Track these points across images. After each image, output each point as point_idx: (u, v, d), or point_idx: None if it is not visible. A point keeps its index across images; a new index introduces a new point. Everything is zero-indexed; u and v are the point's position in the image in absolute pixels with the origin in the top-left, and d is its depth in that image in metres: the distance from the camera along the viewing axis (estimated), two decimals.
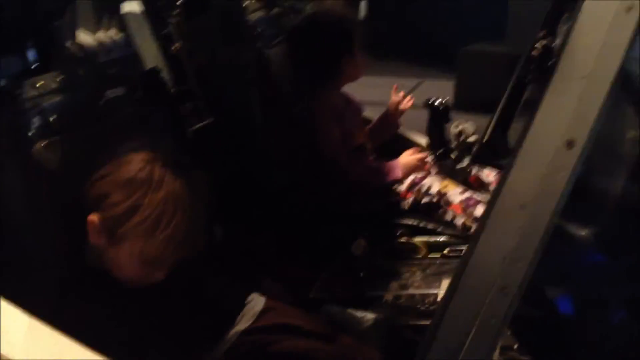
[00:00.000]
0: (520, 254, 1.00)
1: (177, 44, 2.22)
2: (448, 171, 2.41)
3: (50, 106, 1.56)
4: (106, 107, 1.70)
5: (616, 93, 1.08)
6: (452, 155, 2.39)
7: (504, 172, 1.05)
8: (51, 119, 1.55)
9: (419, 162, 2.36)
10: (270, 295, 1.64)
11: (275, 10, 2.38)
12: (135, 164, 1.40)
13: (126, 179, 1.38)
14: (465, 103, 6.18)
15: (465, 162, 2.36)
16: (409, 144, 2.75)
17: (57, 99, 1.59)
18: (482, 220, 1.04)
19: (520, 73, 2.81)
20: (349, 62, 2.25)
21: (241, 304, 1.60)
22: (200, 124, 2.22)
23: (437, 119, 2.38)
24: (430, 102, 2.39)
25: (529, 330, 1.49)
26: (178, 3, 2.17)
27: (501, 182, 1.03)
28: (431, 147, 2.40)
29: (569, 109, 1.02)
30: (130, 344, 1.34)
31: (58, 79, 1.64)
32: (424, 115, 2.44)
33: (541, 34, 2.64)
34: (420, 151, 2.44)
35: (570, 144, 1.00)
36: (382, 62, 7.94)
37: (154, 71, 2.01)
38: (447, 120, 2.39)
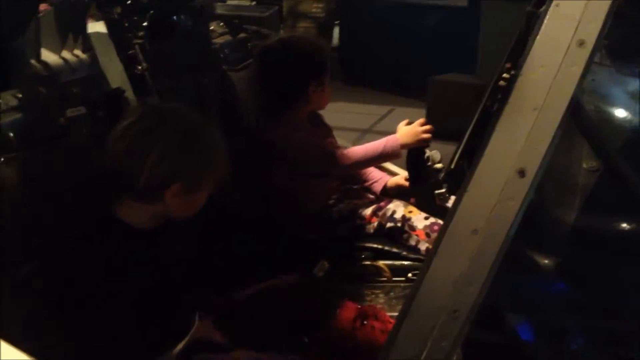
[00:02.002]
0: (471, 278, 1.01)
1: (141, 65, 2.22)
2: (425, 197, 2.40)
3: (9, 123, 1.54)
4: (66, 126, 1.68)
5: (568, 123, 1.12)
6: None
7: (457, 197, 1.07)
8: (10, 136, 1.53)
9: (420, 131, 2.30)
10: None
11: (241, 35, 2.39)
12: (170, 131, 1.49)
13: (180, 146, 1.48)
14: (436, 131, 6.23)
15: (444, 188, 2.37)
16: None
17: (16, 116, 1.57)
18: (435, 244, 1.05)
19: (486, 102, 2.87)
20: (317, 88, 2.25)
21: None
22: None
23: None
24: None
25: (481, 355, 1.50)
26: (143, 25, 2.17)
27: (454, 207, 1.04)
28: (409, 171, 2.33)
29: (520, 139, 1.05)
30: None
31: (18, 97, 1.61)
32: None
33: (507, 65, 2.71)
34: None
35: (521, 173, 1.03)
36: (353, 88, 8.03)
37: (118, 91, 2.00)
38: (426, 146, 2.37)
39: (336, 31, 9.07)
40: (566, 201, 1.85)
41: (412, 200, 2.44)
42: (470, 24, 6.72)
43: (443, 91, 6.30)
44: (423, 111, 6.40)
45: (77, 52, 2.62)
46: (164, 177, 1.46)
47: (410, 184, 2.36)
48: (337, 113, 6.91)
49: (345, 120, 6.82)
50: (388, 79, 7.80)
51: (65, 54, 2.52)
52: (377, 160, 2.35)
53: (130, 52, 2.27)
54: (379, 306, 2.05)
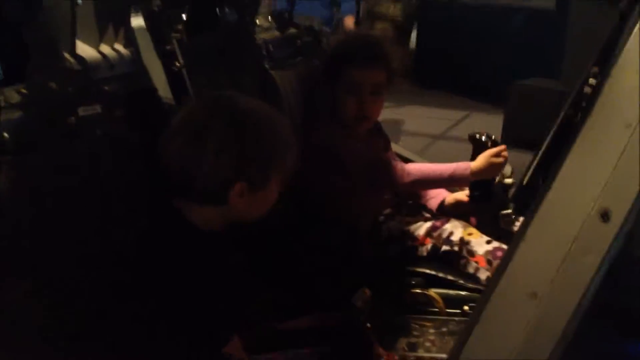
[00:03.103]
0: (526, 356, 0.73)
1: (178, 62, 2.02)
2: (489, 217, 2.10)
3: (6, 122, 1.36)
4: (76, 126, 1.49)
5: None
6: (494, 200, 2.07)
7: (510, 247, 0.78)
8: (5, 137, 1.35)
9: (498, 161, 2.00)
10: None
11: (291, 30, 2.15)
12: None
13: (238, 140, 1.31)
14: (514, 139, 5.87)
15: (510, 208, 2.05)
16: None
17: (15, 115, 1.39)
18: (477, 309, 0.77)
19: (568, 111, 2.53)
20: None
21: None
22: None
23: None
24: (475, 137, 2.08)
25: None
26: (182, 18, 1.97)
27: (505, 261, 0.76)
28: (471, 187, 2.07)
29: (606, 167, 0.75)
30: None
31: (22, 93, 1.43)
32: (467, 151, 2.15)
33: (593, 70, 2.36)
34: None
35: (605, 215, 0.73)
36: (429, 92, 7.74)
37: (145, 90, 1.80)
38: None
39: (414, 34, 8.85)
40: None
41: (473, 220, 2.14)
42: (556, 27, 6.31)
43: (524, 97, 5.94)
44: (501, 117, 6.07)
45: (118, 46, 2.45)
46: (225, 177, 1.31)
47: (471, 201, 2.07)
48: (410, 117, 6.73)
49: (418, 124, 6.58)
50: (466, 83, 7.50)
51: (104, 48, 2.36)
52: (440, 183, 2.09)
53: (168, 47, 2.07)
54: (427, 343, 1.77)
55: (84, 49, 2.28)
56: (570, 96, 2.45)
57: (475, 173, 1.96)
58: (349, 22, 5.24)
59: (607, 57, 2.43)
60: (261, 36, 2.01)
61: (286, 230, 1.79)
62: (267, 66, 1.94)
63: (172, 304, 1.29)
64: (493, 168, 1.98)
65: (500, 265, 0.79)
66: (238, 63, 1.89)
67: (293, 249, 1.77)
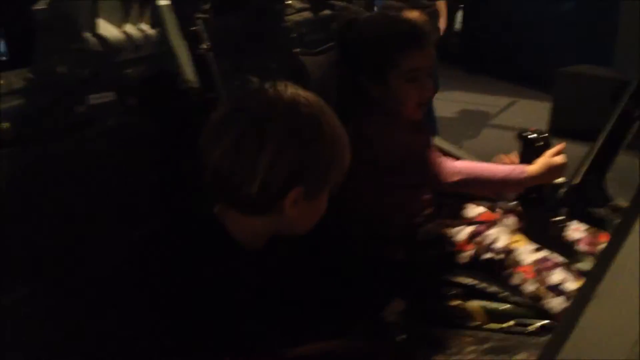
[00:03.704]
0: None
1: (204, 44, 1.88)
2: (538, 223, 1.92)
3: (6, 110, 1.24)
4: (86, 115, 1.36)
5: None
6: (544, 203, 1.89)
7: (559, 329, 0.61)
8: (4, 127, 1.23)
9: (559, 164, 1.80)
10: None
11: (325, 12, 1.98)
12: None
13: (298, 139, 1.15)
14: (562, 129, 5.63)
15: (562, 214, 1.87)
16: None
17: (15, 102, 1.27)
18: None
19: (628, 104, 2.33)
20: (400, 79, 1.77)
21: None
22: None
23: (532, 158, 1.84)
24: (524, 135, 1.88)
25: None
26: None
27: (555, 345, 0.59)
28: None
29: None
30: None
31: (24, 78, 1.31)
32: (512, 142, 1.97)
33: None
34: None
35: None
36: (474, 77, 7.50)
37: (162, 75, 1.67)
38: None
39: (459, 15, 8.61)
40: None
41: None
42: (608, 9, 6.02)
43: (573, 84, 5.68)
44: (548, 105, 5.82)
45: (144, 26, 2.33)
46: (283, 182, 1.15)
47: (522, 204, 1.89)
48: (453, 103, 6.53)
49: (461, 111, 6.37)
50: (513, 68, 7.23)
51: (129, 28, 2.24)
52: (490, 186, 1.86)
53: (194, 28, 1.93)
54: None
55: (107, 29, 2.17)
56: (629, 88, 2.25)
57: (533, 178, 1.78)
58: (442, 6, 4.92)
59: None
60: (292, 18, 1.85)
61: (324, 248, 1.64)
62: (297, 51, 1.77)
63: (186, 319, 1.16)
64: (553, 172, 1.79)
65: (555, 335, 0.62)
66: (265, 47, 1.74)
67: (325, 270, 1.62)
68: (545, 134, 1.82)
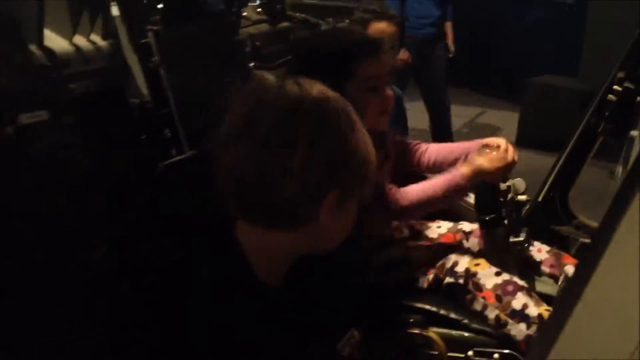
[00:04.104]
0: None
1: (155, 58, 1.80)
2: (498, 244, 1.85)
3: None
4: (16, 136, 1.27)
5: None
6: (505, 223, 1.82)
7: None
8: None
9: (502, 161, 1.76)
10: None
11: (283, 24, 1.91)
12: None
13: (331, 135, 1.02)
14: (529, 139, 5.63)
15: (523, 234, 1.80)
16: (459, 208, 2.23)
17: None
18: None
19: (590, 119, 2.29)
20: (361, 93, 1.70)
21: None
22: (175, 158, 1.80)
23: None
24: (488, 147, 1.81)
25: None
26: (159, 6, 1.75)
27: None
28: (478, 211, 1.81)
29: None
30: None
31: None
32: None
33: (620, 75, 2.10)
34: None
35: None
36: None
37: (110, 90, 1.59)
38: (504, 179, 1.80)
39: None
40: None
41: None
42: (575, 22, 6.06)
43: (540, 95, 5.70)
44: (516, 115, 5.83)
45: (95, 38, 2.24)
46: (319, 182, 1.01)
47: (480, 226, 1.83)
48: (420, 112, 6.49)
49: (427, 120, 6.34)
50: (483, 79, 7.23)
51: (79, 39, 2.15)
52: (439, 202, 1.76)
53: (145, 40, 1.85)
54: None
55: (54, 40, 2.08)
56: (591, 103, 2.22)
57: (472, 175, 1.72)
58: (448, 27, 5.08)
59: (635, 61, 2.20)
60: (248, 30, 1.77)
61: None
62: (251, 65, 1.70)
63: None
64: (494, 162, 1.74)
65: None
66: (217, 61, 1.66)
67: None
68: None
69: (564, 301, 0.68)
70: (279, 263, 1.13)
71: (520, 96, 5.90)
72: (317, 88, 1.06)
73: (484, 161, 1.73)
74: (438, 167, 1.99)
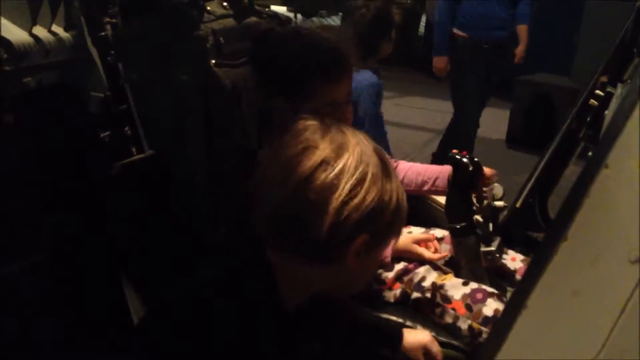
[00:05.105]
0: None
1: (113, 52, 1.72)
2: (469, 253, 1.78)
3: None
4: None
5: None
6: (478, 232, 1.75)
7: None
8: None
9: (420, 251, 1.80)
10: None
11: (251, 19, 1.82)
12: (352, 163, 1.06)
13: (368, 181, 1.06)
14: (519, 138, 5.56)
15: (495, 244, 1.73)
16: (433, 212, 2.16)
17: None
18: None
19: (571, 124, 2.22)
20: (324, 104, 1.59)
21: None
22: (133, 158, 1.72)
23: (462, 182, 1.73)
24: (454, 158, 1.74)
25: None
26: None
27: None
28: (449, 218, 1.76)
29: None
30: None
31: None
32: None
33: (602, 79, 2.03)
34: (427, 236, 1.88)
35: None
36: (438, 83, 7.40)
37: (65, 84, 1.51)
38: (474, 185, 1.74)
39: (423, 20, 8.54)
40: None
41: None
42: (570, 19, 5.98)
43: (531, 93, 5.61)
44: (506, 113, 5.75)
45: (57, 29, 2.15)
46: (352, 227, 1.05)
47: (451, 235, 1.76)
48: (412, 109, 6.42)
49: (423, 118, 6.27)
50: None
51: (39, 30, 2.06)
52: None
53: (103, 33, 1.77)
54: None
55: (12, 31, 1.99)
56: (572, 108, 2.15)
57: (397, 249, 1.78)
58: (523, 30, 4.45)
59: (616, 65, 2.13)
60: (210, 26, 1.68)
61: None
62: (212, 62, 1.61)
63: None
64: (409, 254, 1.79)
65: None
66: (174, 57, 1.58)
67: None
68: (475, 158, 1.70)
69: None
70: (304, 294, 1.18)
71: (511, 94, 5.83)
72: (354, 133, 1.10)
73: (412, 247, 1.78)
74: (405, 187, 1.92)
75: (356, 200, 1.04)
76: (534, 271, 0.55)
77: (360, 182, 1.04)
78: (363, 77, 2.47)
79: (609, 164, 0.53)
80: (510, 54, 4.43)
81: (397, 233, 1.13)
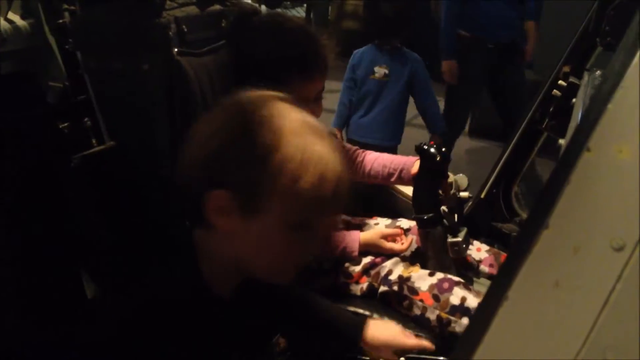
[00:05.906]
0: None
1: (71, 40, 1.67)
2: (436, 244, 1.78)
3: None
4: None
5: None
6: (445, 223, 1.74)
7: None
8: None
9: (388, 246, 1.80)
10: None
11: (215, 7, 1.78)
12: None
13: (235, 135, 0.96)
14: (480, 129, 5.61)
15: (461, 235, 1.73)
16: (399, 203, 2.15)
17: None
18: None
19: (534, 115, 2.24)
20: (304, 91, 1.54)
21: None
22: (94, 149, 1.67)
23: (429, 172, 1.72)
24: (422, 147, 1.71)
25: None
26: None
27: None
28: (416, 209, 1.74)
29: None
30: None
31: None
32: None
33: (565, 69, 2.04)
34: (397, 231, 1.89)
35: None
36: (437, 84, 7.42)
37: (20, 73, 1.46)
38: (442, 175, 1.73)
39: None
40: None
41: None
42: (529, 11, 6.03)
43: None
44: None
45: (14, 17, 2.09)
46: (199, 178, 0.97)
47: (417, 225, 1.76)
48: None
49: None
50: (433, 66, 7.16)
51: None
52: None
53: (61, 21, 1.71)
54: None
55: None
56: (535, 99, 2.16)
57: (365, 243, 1.78)
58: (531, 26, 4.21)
59: (579, 55, 2.14)
60: (172, 13, 1.64)
61: None
62: (175, 51, 1.57)
63: None
64: (377, 249, 1.79)
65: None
66: (135, 46, 1.54)
67: None
68: (443, 148, 1.69)
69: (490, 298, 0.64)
70: (224, 277, 1.09)
71: None
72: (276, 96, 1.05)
73: (379, 242, 1.79)
74: (373, 178, 1.93)
75: (210, 144, 0.96)
76: (514, 260, 0.54)
77: (232, 128, 0.97)
78: (413, 56, 3.42)
79: (590, 147, 0.52)
80: (520, 53, 4.18)
81: (301, 208, 0.96)
